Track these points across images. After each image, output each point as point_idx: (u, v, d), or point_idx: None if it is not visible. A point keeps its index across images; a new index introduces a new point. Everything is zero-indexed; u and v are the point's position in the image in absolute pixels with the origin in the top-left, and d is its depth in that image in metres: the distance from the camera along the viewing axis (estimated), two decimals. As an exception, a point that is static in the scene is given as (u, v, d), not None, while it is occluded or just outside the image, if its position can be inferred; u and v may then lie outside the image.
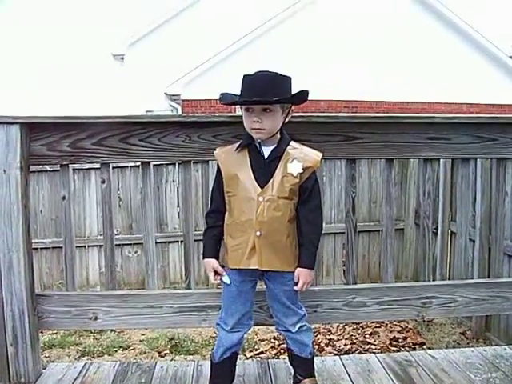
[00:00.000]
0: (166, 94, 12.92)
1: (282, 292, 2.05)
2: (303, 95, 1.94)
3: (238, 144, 2.03)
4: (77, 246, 3.70)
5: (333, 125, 2.33)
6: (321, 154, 2.04)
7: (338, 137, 2.34)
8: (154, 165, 5.89)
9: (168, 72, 13.06)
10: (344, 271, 2.76)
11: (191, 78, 12.51)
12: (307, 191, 2.00)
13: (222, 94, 2.01)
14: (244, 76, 1.93)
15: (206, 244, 2.07)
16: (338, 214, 6.06)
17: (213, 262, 2.04)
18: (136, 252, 6.33)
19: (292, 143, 2.04)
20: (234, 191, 1.99)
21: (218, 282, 2.05)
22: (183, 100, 12.69)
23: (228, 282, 2.04)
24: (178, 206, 6.24)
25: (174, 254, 6.37)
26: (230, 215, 2.03)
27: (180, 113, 12.67)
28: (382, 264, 2.60)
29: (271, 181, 1.96)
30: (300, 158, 1.99)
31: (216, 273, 2.04)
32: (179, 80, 12.55)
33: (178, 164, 4.55)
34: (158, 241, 4.57)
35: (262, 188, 1.95)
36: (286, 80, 1.94)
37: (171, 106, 13.64)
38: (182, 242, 2.93)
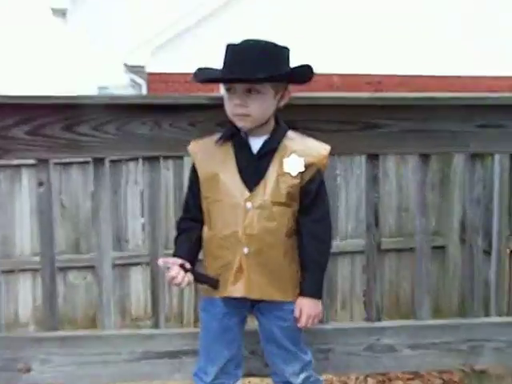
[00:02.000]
0: (126, 64, 12.79)
1: (279, 329, 2.06)
2: (303, 72, 1.98)
3: (218, 135, 2.07)
4: (2, 271, 3.67)
5: (349, 109, 2.34)
6: (328, 147, 2.07)
7: (357, 124, 2.36)
8: (111, 161, 5.87)
9: (129, 35, 13.00)
10: (365, 303, 2.76)
11: (160, 44, 12.36)
12: (310, 196, 2.03)
13: (198, 69, 2.06)
14: (227, 46, 1.97)
15: (179, 246, 2.09)
16: (357, 227, 5.99)
17: (176, 259, 2.00)
18: (85, 278, 6.31)
19: (290, 133, 2.07)
20: (215, 196, 2.02)
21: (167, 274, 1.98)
22: (149, 73, 12.55)
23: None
24: (143, 216, 6.23)
25: (136, 280, 6.36)
26: (209, 228, 2.06)
27: (145, 91, 12.57)
28: (415, 294, 2.60)
29: (263, 182, 1.99)
30: (301, 151, 2.02)
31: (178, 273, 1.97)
32: (144, 46, 12.40)
33: (143, 160, 4.55)
34: (115, 263, 4.55)
35: (250, 191, 1.99)
36: (281, 52, 1.97)
37: (133, 80, 13.54)
38: (147, 264, 2.89)
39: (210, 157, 2.05)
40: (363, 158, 2.48)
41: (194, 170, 2.08)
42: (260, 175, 2.00)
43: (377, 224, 2.47)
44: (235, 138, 2.04)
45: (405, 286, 6.31)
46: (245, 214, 1.98)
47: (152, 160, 2.41)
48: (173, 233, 2.23)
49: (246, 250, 1.98)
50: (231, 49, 1.96)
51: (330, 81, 11.76)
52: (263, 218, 1.98)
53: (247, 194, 1.99)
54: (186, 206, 2.13)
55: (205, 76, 2.02)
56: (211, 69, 2.06)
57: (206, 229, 2.07)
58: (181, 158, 2.45)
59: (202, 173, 2.05)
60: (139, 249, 6.27)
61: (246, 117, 1.97)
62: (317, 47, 10.09)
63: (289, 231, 2.02)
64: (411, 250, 6.31)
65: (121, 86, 13.55)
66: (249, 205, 1.98)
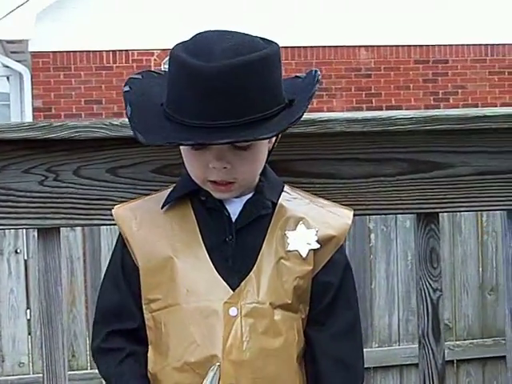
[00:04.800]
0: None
1: None
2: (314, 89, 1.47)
3: (167, 194, 1.50)
4: None
5: (383, 137, 1.78)
6: (351, 213, 1.62)
7: (397, 165, 1.83)
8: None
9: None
10: None
11: (48, 5, 8.29)
12: (330, 292, 1.51)
13: (126, 92, 1.43)
14: (173, 57, 1.35)
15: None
16: (407, 324, 4.69)
17: None
18: None
19: (288, 190, 1.58)
20: (168, 298, 1.47)
21: None
22: (34, 54, 8.43)
23: None
24: (29, 309, 4.19)
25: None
26: (159, 354, 1.47)
27: (28, 88, 8.69)
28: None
29: (254, 271, 1.48)
30: (310, 218, 1.53)
31: None
32: (26, 4, 8.00)
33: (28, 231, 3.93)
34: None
35: (233, 288, 1.46)
36: (276, 56, 1.42)
37: (7, 67, 9.12)
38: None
39: (154, 229, 1.49)
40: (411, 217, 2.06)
41: (123, 250, 1.49)
42: (247, 260, 1.48)
43: (437, 327, 1.91)
44: (196, 196, 1.50)
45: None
46: (226, 324, 1.45)
47: (45, 232, 1.79)
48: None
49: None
50: (185, 66, 1.32)
51: (353, 56, 10.41)
52: (260, 331, 1.46)
53: (228, 292, 1.46)
54: (108, 312, 1.50)
55: (159, 136, 1.38)
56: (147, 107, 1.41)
57: (152, 355, 1.46)
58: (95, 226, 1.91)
59: (142, 257, 1.48)
60: (22, 370, 4.25)
61: (230, 185, 1.46)
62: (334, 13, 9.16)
63: (300, 353, 1.49)
64: (503, 358, 4.74)
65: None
66: (233, 310, 1.45)
